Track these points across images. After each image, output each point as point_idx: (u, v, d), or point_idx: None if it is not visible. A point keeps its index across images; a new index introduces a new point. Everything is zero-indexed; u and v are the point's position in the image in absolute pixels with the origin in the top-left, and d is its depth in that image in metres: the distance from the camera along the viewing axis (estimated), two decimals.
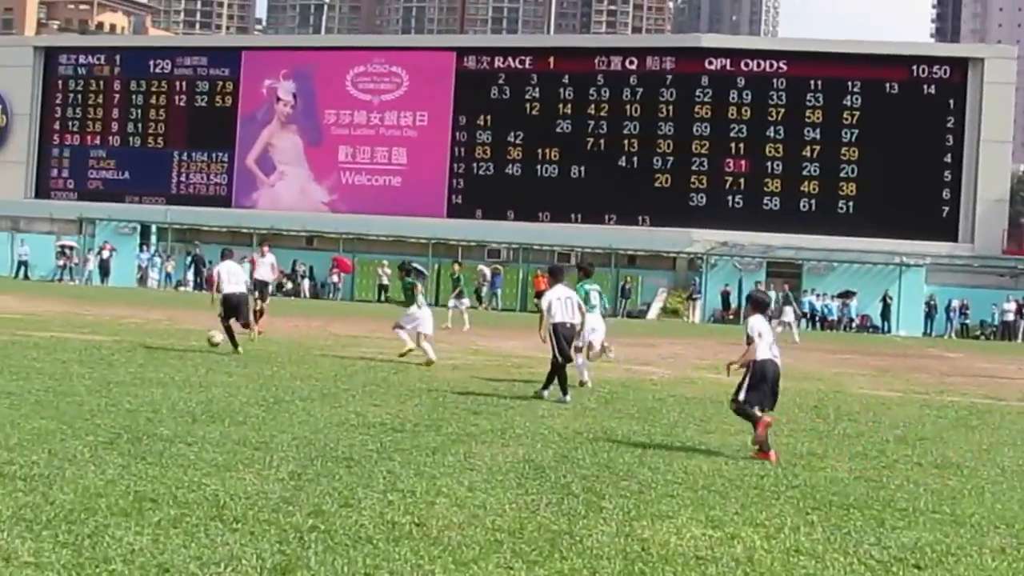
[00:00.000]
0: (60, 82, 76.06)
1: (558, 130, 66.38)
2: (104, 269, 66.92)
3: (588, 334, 19.68)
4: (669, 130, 65.12)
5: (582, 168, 65.84)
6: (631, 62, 66.10)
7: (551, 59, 67.52)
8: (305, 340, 27.53)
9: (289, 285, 66.51)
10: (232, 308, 22.95)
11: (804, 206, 63.49)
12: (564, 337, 17.21)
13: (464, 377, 19.97)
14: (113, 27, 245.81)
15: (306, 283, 66.69)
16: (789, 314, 44.66)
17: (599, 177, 65.24)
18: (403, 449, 11.52)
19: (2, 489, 8.50)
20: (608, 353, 21.52)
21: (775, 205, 63.78)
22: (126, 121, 74.38)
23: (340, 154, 70.26)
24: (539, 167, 66.58)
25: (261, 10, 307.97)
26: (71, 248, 68.85)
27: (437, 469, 10.48)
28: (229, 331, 22.70)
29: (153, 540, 7.31)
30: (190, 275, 67.17)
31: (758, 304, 13.49)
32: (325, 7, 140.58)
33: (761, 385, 12.53)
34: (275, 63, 72.46)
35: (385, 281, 63.49)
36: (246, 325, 23.53)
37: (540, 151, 66.61)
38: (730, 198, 64.18)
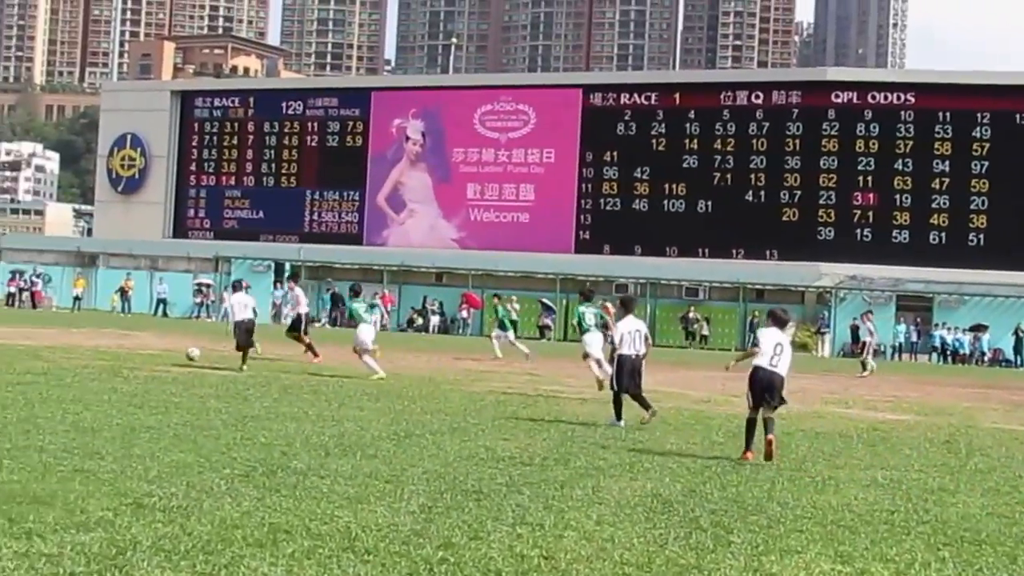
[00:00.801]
0: (196, 124, 77.70)
1: (684, 165, 66.13)
2: (280, 308, 67.65)
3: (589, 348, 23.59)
4: (796, 164, 64.51)
5: (709, 203, 65.50)
6: (757, 96, 65.70)
7: (677, 95, 67.37)
8: (435, 375, 27.69)
9: (419, 321, 66.90)
10: (242, 332, 26.30)
11: (934, 239, 62.41)
12: (627, 368, 17.67)
13: (592, 411, 19.94)
14: (247, 70, 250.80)
15: (435, 319, 67.02)
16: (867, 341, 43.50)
17: (726, 211, 64.83)
18: (532, 483, 11.54)
19: (142, 520, 8.68)
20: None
21: (904, 238, 62.79)
22: (260, 161, 75.68)
23: (469, 191, 70.72)
24: (666, 202, 66.37)
25: (390, 51, 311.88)
26: (208, 286, 70.00)
27: (565, 503, 10.48)
28: (244, 352, 25.86)
29: (287, 571, 7.41)
30: (325, 312, 67.54)
31: (776, 319, 15.05)
32: (452, 47, 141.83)
33: (755, 388, 14.48)
34: (404, 103, 73.26)
35: (514, 317, 63.46)
36: (240, 348, 26.14)
37: (667, 186, 66.40)
38: (858, 231, 63.34)
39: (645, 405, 17.87)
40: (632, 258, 65.88)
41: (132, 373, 22.82)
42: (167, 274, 71.50)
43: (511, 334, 38.27)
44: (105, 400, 17.26)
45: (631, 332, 17.88)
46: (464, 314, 65.57)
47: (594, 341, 23.93)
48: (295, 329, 29.82)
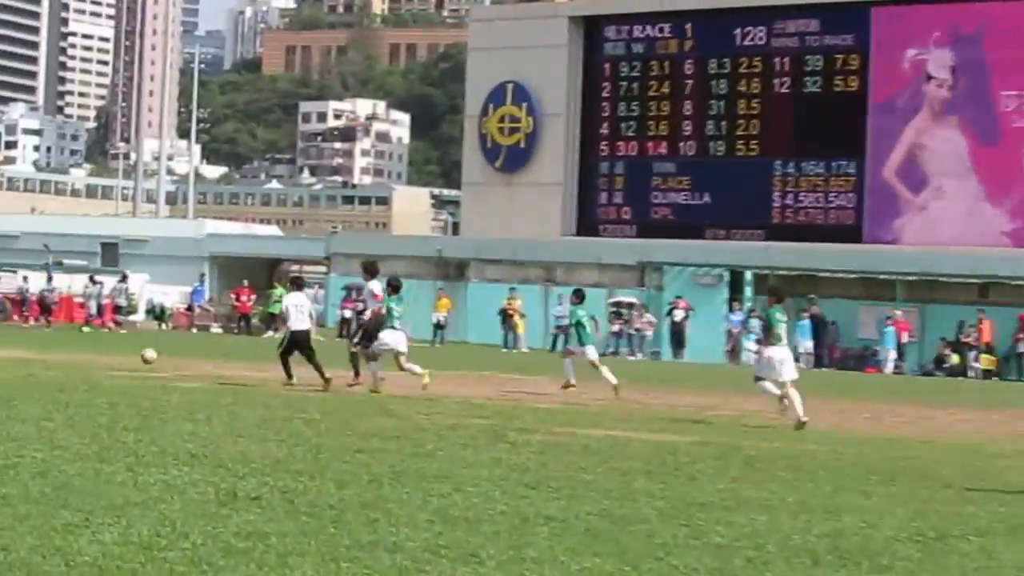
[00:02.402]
0: (607, 66, 78.87)
1: None
2: (677, 336, 68.29)
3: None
4: None
5: None
6: None
7: None
8: (982, 443, 27.26)
9: (953, 359, 65.38)
10: (298, 344, 33.23)
11: None
12: None
13: None
14: None
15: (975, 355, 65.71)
16: None
17: None
18: None
19: None
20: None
21: None
22: (703, 119, 76.07)
23: None
24: None
25: None
26: (629, 307, 70.72)
27: None
28: (286, 364, 32.89)
29: None
30: (805, 343, 66.73)
31: None
32: None
33: None
34: (922, 23, 72.31)
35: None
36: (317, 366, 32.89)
37: None
38: None
39: None
40: None
41: (522, 437, 23.37)
42: (569, 289, 72.35)
43: (591, 349, 37.30)
44: (483, 477, 17.73)
45: None
46: None
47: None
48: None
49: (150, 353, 36.74)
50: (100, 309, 67.58)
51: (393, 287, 34.27)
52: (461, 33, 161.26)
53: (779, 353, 29.17)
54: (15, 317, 70.82)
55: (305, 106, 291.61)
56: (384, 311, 33.42)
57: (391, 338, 32.76)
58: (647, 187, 77.13)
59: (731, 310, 69.23)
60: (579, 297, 39.39)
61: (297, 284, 36.93)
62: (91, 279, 69.76)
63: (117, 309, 69.20)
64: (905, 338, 65.69)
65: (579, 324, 37.85)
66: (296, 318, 33.38)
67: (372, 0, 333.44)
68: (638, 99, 77.81)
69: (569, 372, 36.44)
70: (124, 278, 71.61)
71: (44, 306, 68.36)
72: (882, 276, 67.81)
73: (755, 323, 65.45)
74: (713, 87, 75.94)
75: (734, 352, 68.06)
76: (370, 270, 35.25)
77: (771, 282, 32.24)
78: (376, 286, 34.85)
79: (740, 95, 75.32)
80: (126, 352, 42.43)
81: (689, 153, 76.33)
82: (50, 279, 71.27)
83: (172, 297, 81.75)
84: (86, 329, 64.22)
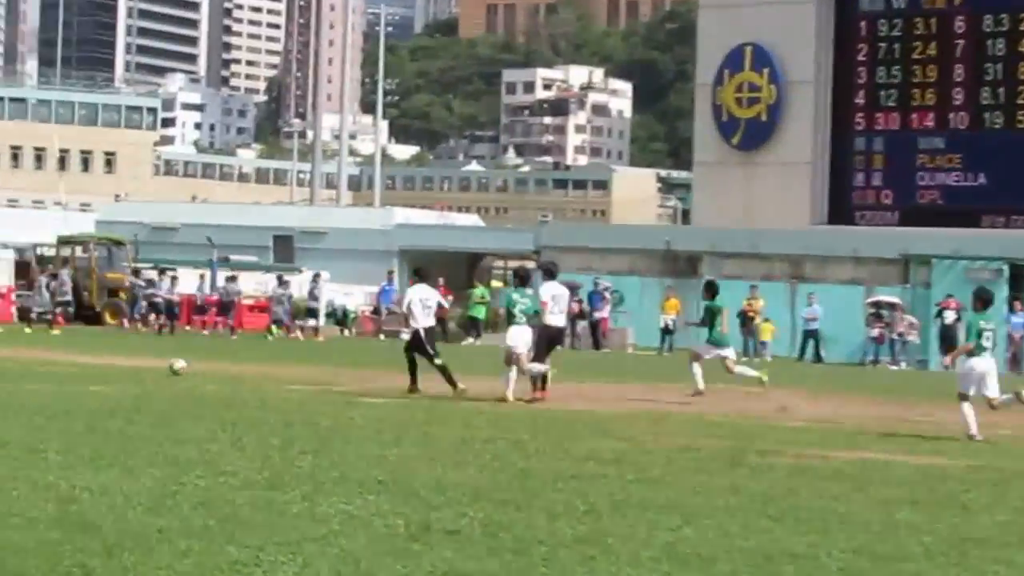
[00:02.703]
0: (863, 24, 78.18)
1: None
2: (947, 341, 67.24)
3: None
4: None
5: None
6: None
7: None
8: None
9: None
10: (421, 345, 33.74)
11: None
12: None
13: None
14: None
15: None
16: None
17: None
18: None
19: None
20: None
21: None
22: (977, 86, 75.22)
23: None
24: None
25: None
26: (890, 307, 69.98)
27: None
28: (446, 373, 33.51)
29: None
30: None
31: None
32: None
33: None
34: None
35: None
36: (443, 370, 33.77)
37: None
38: None
39: None
40: None
41: (764, 460, 23.30)
42: (822, 288, 71.85)
43: (730, 352, 38.14)
44: (718, 506, 17.72)
45: None
46: None
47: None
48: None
49: (180, 363, 36.96)
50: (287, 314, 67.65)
51: (520, 277, 35.90)
52: None
53: (983, 365, 29.44)
54: (188, 323, 70.50)
55: (509, 75, 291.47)
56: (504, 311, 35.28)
57: (516, 335, 33.26)
58: (911, 166, 76.42)
59: (1012, 310, 68.39)
60: (711, 292, 39.98)
61: (420, 275, 36.65)
62: (279, 280, 69.70)
63: (310, 313, 69.61)
64: None
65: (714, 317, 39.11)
66: (422, 315, 33.82)
67: None
68: (900, 63, 77.09)
69: (696, 377, 36.93)
70: (316, 277, 71.95)
71: (224, 309, 68.53)
72: None
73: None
74: (989, 48, 75.07)
75: (1016, 359, 67.37)
76: (547, 271, 35.39)
77: (979, 286, 31.34)
78: (546, 291, 34.33)
79: (1021, 57, 74.41)
80: (308, 363, 42.84)
81: (960, 126, 75.54)
82: (233, 278, 71.14)
83: (356, 298, 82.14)
84: (270, 337, 64.39)
